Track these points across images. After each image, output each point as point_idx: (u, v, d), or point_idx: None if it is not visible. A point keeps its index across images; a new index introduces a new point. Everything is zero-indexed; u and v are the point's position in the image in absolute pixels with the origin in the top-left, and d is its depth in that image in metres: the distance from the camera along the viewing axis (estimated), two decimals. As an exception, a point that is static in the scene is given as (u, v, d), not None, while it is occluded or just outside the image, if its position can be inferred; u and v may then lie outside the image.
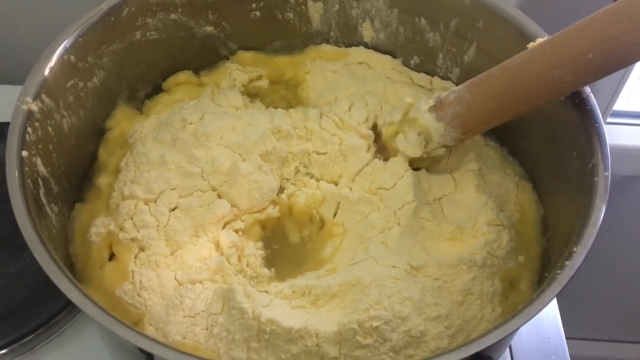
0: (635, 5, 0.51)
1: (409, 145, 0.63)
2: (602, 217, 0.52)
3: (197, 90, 0.73)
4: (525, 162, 0.68)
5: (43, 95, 0.58)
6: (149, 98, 0.73)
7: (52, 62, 0.59)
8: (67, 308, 0.68)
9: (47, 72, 0.58)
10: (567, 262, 0.49)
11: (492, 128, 0.63)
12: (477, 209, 0.62)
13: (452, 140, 0.62)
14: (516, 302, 0.59)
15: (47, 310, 0.68)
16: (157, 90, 0.74)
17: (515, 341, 0.71)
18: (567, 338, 0.72)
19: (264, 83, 0.75)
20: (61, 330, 0.69)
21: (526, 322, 0.47)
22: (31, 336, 0.67)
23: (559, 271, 0.49)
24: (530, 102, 0.58)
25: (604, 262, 1.07)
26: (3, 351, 0.66)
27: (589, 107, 0.58)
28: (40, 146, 0.57)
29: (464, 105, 0.60)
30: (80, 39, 0.61)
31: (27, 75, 0.89)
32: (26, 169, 0.53)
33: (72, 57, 0.61)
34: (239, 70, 0.75)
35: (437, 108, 0.62)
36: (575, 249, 0.50)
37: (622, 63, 0.54)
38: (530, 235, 0.63)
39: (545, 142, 0.64)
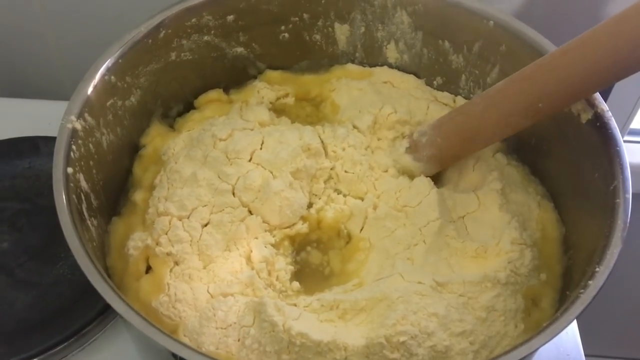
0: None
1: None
2: (623, 238, 0.54)
3: (226, 107, 0.75)
4: (546, 181, 0.70)
5: (86, 114, 0.60)
6: (181, 115, 0.75)
7: (95, 82, 0.61)
8: (99, 317, 0.70)
9: (90, 91, 0.61)
10: (590, 282, 0.51)
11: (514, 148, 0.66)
12: (501, 228, 0.63)
13: (432, 172, 0.68)
14: (538, 319, 0.60)
15: (80, 319, 0.69)
16: (189, 107, 0.76)
17: (535, 358, 0.72)
18: (586, 355, 0.73)
19: (290, 100, 0.77)
20: (93, 339, 0.70)
21: (550, 339, 0.48)
22: (64, 344, 0.68)
23: (582, 290, 0.51)
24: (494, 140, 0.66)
25: (622, 279, 1.07)
26: (36, 359, 0.68)
27: (610, 131, 0.59)
28: (82, 163, 0.59)
29: (436, 149, 0.66)
30: (120, 60, 0.64)
31: (54, 90, 0.93)
32: (71, 185, 0.56)
33: (112, 77, 0.63)
34: (266, 88, 0.76)
35: (412, 150, 0.68)
36: (597, 269, 0.52)
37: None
38: (552, 253, 0.65)
39: (566, 163, 0.66)
